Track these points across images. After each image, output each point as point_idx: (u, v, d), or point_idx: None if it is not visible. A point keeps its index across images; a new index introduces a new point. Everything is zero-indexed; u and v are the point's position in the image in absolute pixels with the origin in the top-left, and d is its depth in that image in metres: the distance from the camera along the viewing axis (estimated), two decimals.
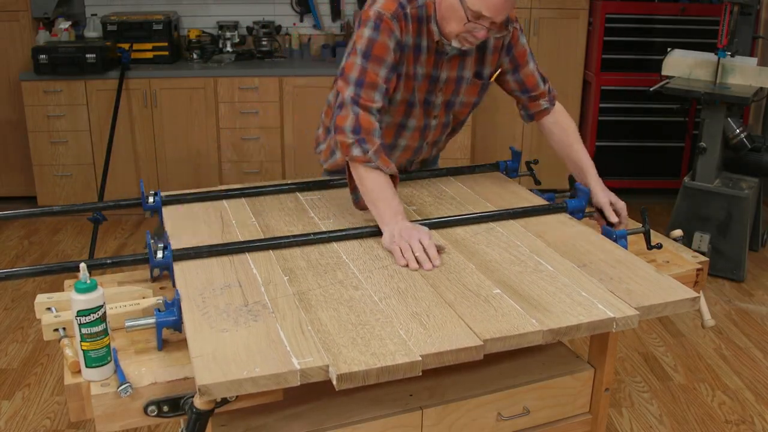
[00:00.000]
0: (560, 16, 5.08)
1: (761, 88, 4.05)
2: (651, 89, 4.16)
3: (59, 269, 1.84)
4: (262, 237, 2.01)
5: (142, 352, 1.67)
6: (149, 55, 4.82)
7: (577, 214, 2.25)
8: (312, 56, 5.19)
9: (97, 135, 4.77)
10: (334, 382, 1.43)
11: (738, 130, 4.10)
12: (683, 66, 4.27)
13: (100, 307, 1.54)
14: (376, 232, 2.03)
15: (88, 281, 1.53)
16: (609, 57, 5.08)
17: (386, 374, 1.46)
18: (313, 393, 1.83)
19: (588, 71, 5.21)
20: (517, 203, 2.31)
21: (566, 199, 2.28)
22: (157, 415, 1.56)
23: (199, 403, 1.52)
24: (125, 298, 1.82)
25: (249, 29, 5.08)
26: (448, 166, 2.63)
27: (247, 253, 1.93)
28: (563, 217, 2.23)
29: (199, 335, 1.55)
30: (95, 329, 1.53)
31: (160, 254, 1.85)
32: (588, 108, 5.23)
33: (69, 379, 1.57)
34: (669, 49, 4.34)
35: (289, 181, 2.44)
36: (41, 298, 1.80)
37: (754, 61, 4.08)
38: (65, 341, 1.66)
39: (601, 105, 5.16)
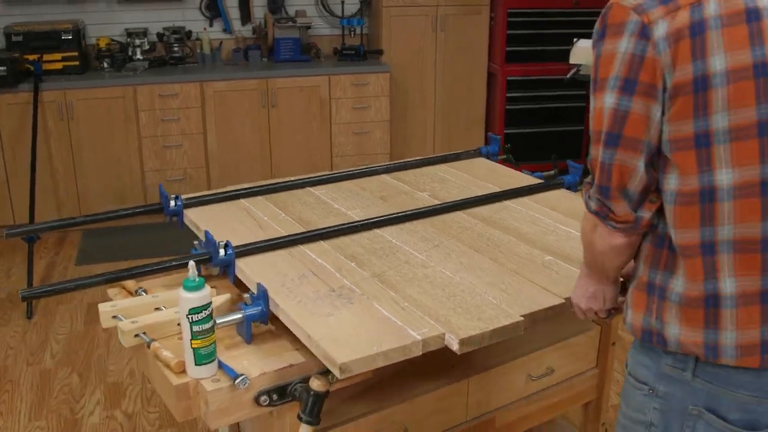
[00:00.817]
0: (463, 12, 5.33)
1: None
2: (567, 77, 4.46)
3: (117, 277, 1.82)
4: (304, 230, 2.07)
5: (232, 347, 1.70)
6: (59, 65, 4.64)
7: (573, 188, 2.45)
8: (223, 60, 5.17)
9: (10, 152, 4.55)
10: (456, 347, 1.54)
11: None
12: (589, 54, 4.60)
13: (209, 304, 1.57)
14: (413, 216, 2.15)
15: (197, 279, 1.55)
16: (513, 49, 5.39)
17: (497, 336, 1.59)
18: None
19: (493, 63, 5.50)
20: (517, 183, 2.48)
21: (562, 176, 2.47)
22: (269, 404, 1.61)
23: (317, 385, 1.58)
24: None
25: (159, 35, 5.00)
26: (432, 156, 2.77)
27: (300, 245, 1.98)
28: (563, 192, 2.43)
29: (306, 321, 1.60)
30: (206, 326, 1.56)
31: (222, 252, 1.87)
32: (495, 98, 5.52)
33: (176, 380, 1.59)
34: (575, 39, 4.66)
35: (296, 178, 2.49)
36: (105, 307, 1.78)
37: None
38: (156, 345, 1.67)
39: (508, 95, 5.46)
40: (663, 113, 1.21)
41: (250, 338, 1.72)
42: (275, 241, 1.96)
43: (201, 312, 1.55)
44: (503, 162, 2.78)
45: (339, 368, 1.45)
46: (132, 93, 4.63)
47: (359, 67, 5.06)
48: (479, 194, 2.34)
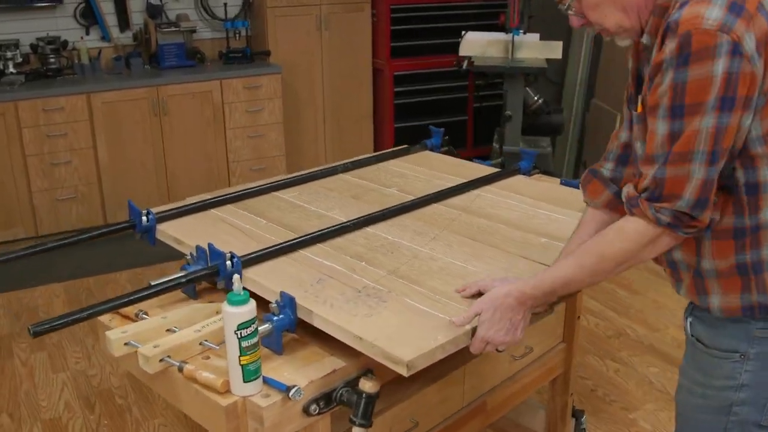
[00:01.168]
0: (346, 10, 5.37)
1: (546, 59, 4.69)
2: (462, 68, 4.61)
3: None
4: (294, 234, 2.03)
5: (265, 359, 1.66)
6: None
7: (527, 173, 2.56)
8: (104, 70, 4.92)
9: None
10: None
11: (536, 97, 4.71)
12: (477, 46, 4.78)
13: (255, 318, 1.52)
14: (398, 211, 2.17)
15: (242, 293, 1.50)
16: (397, 45, 5.49)
17: (536, 318, 1.65)
18: None
19: (378, 59, 5.57)
20: (474, 173, 2.55)
21: (518, 163, 2.57)
22: (319, 413, 1.58)
23: (368, 387, 1.57)
24: (201, 317, 1.77)
25: (33, 47, 4.68)
26: (378, 152, 2.79)
27: (299, 250, 1.95)
28: (521, 178, 2.52)
29: (350, 324, 1.59)
30: (253, 341, 1.52)
31: (229, 264, 1.81)
32: (383, 94, 5.60)
33: (224, 400, 1.53)
34: (463, 32, 4.82)
35: (257, 184, 2.45)
36: (115, 334, 1.69)
37: (537, 36, 4.71)
38: (189, 367, 1.60)
39: (395, 89, 5.56)
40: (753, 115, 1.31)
41: (281, 348, 1.68)
42: (276, 248, 1.92)
43: (249, 326, 1.50)
44: (446, 153, 2.84)
45: (406, 366, 1.46)
46: (13, 109, 4.32)
47: (250, 69, 4.98)
48: (448, 186, 2.38)
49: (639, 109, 1.44)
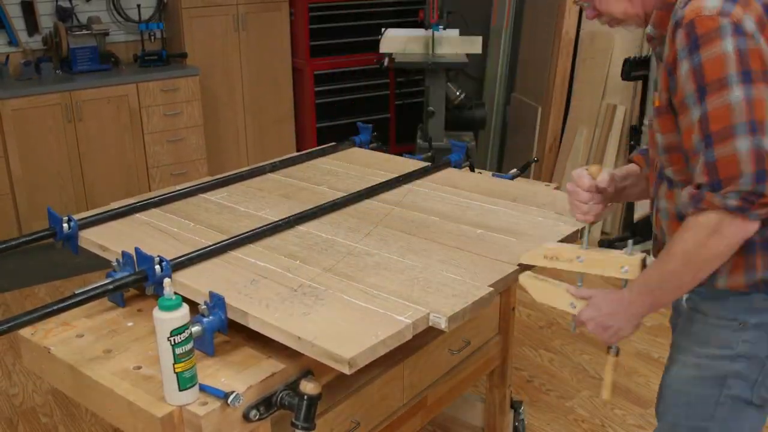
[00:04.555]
0: (263, 9, 5.29)
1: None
2: (383, 65, 4.59)
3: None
4: (225, 236, 1.97)
5: (199, 365, 1.59)
6: None
7: (458, 166, 2.55)
8: (13, 76, 4.71)
9: None
10: (444, 325, 1.56)
11: (458, 93, 4.73)
12: (398, 43, 4.77)
13: (189, 323, 1.46)
14: (330, 208, 2.13)
15: (173, 297, 1.44)
16: (317, 44, 5.44)
17: (476, 309, 1.64)
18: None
19: (298, 59, 5.50)
20: (404, 167, 2.53)
21: (447, 156, 2.57)
22: (259, 418, 1.53)
23: (310, 388, 1.53)
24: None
25: None
26: (303, 151, 2.75)
27: (230, 252, 1.90)
28: (452, 171, 2.52)
29: (287, 323, 1.55)
30: (188, 347, 1.46)
31: (159, 268, 1.74)
32: (304, 93, 5.54)
33: (157, 411, 1.47)
34: (383, 29, 4.81)
35: (183, 186, 2.37)
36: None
37: (456, 32, 4.73)
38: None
39: (316, 89, 5.50)
40: None
41: (212, 350, 1.63)
42: (206, 250, 1.85)
43: (182, 332, 1.44)
44: (375, 149, 2.82)
45: (348, 364, 1.42)
46: None
47: (166, 72, 4.85)
48: (379, 181, 2.36)
49: (656, 102, 1.50)
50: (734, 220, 1.35)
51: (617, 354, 1.67)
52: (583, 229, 1.75)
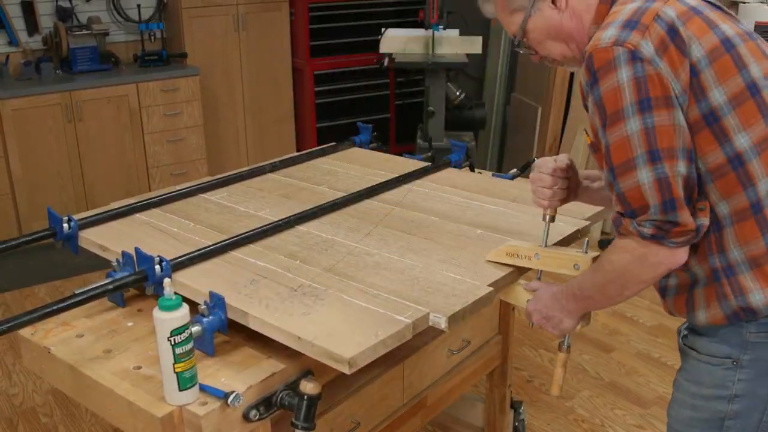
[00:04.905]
0: (263, 9, 5.28)
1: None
2: (383, 65, 4.59)
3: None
4: (225, 236, 1.97)
5: (199, 365, 1.59)
6: None
7: (458, 166, 2.55)
8: (13, 76, 4.71)
9: None
10: (444, 325, 1.56)
11: (458, 93, 4.73)
12: (397, 43, 4.77)
13: (189, 323, 1.46)
14: (331, 208, 2.13)
15: (173, 297, 1.44)
16: (317, 44, 5.44)
17: (476, 308, 1.63)
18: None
19: (298, 59, 5.50)
20: (404, 167, 2.53)
21: (447, 156, 2.57)
22: (259, 418, 1.53)
23: (310, 388, 1.53)
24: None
25: None
26: (303, 151, 2.75)
27: (231, 252, 1.90)
28: (452, 171, 2.52)
29: (287, 323, 1.55)
30: (188, 347, 1.46)
31: (158, 268, 1.74)
32: (304, 93, 5.54)
33: (157, 411, 1.46)
34: (383, 29, 4.81)
35: (183, 186, 2.37)
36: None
37: (456, 32, 4.73)
38: None
39: (316, 89, 5.50)
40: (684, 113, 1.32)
41: (212, 350, 1.63)
42: (206, 250, 1.85)
43: (183, 332, 1.44)
44: (375, 149, 2.82)
45: (348, 363, 1.42)
46: None
47: (166, 72, 4.85)
48: (379, 181, 2.36)
49: (588, 139, 1.49)
50: (658, 248, 1.33)
51: (568, 350, 1.71)
52: (546, 221, 1.73)
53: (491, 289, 1.68)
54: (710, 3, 1.42)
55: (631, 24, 1.33)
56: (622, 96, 1.31)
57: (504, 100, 5.65)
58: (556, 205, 1.70)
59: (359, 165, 2.57)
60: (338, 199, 2.20)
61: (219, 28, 5.15)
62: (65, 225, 2.01)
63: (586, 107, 1.41)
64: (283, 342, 1.54)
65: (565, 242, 1.95)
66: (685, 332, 1.52)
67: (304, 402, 1.53)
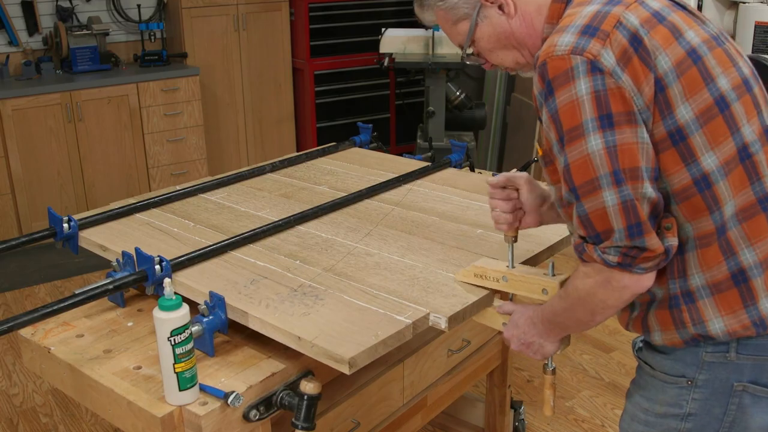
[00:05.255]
0: (263, 9, 5.29)
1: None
2: (384, 65, 4.59)
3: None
4: (225, 236, 1.97)
5: (199, 365, 1.59)
6: None
7: (458, 166, 2.55)
8: (14, 75, 4.72)
9: None
10: (444, 325, 1.56)
11: (458, 93, 4.73)
12: (398, 43, 4.78)
13: (189, 323, 1.46)
14: (330, 208, 2.13)
15: (173, 297, 1.44)
16: (317, 43, 5.44)
17: (476, 309, 1.63)
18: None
19: (298, 59, 5.50)
20: (405, 167, 2.53)
21: (447, 156, 2.57)
22: (259, 418, 1.53)
23: (310, 388, 1.53)
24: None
25: None
26: (303, 151, 2.75)
27: (231, 252, 1.90)
28: (452, 171, 2.52)
29: (288, 323, 1.55)
30: (188, 347, 1.46)
31: (158, 268, 1.74)
32: (304, 93, 5.54)
33: (157, 411, 1.46)
34: (383, 29, 4.81)
35: (183, 186, 2.37)
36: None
37: None
38: None
39: (316, 89, 5.50)
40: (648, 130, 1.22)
41: (213, 351, 1.63)
42: (206, 250, 1.85)
43: (183, 332, 1.44)
44: (375, 149, 2.82)
45: (348, 364, 1.42)
46: None
47: (166, 72, 4.85)
48: (379, 181, 2.36)
49: (539, 151, 1.40)
50: (622, 274, 1.24)
51: (554, 372, 1.62)
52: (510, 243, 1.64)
53: (489, 292, 1.68)
54: (674, 3, 1.31)
55: (590, 30, 1.22)
56: (580, 110, 1.20)
57: (504, 100, 5.65)
58: (517, 226, 1.61)
59: (359, 165, 2.57)
60: (338, 199, 2.20)
61: (219, 28, 5.15)
62: (65, 225, 2.01)
63: (539, 118, 1.31)
64: (283, 342, 1.54)
65: (535, 261, 1.88)
66: (641, 345, 1.45)
67: (304, 402, 1.53)
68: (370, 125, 2.84)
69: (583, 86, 1.19)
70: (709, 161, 1.22)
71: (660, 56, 1.21)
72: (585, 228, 1.25)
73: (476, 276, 1.68)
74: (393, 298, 1.64)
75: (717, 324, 1.28)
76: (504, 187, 1.59)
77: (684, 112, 1.21)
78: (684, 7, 1.31)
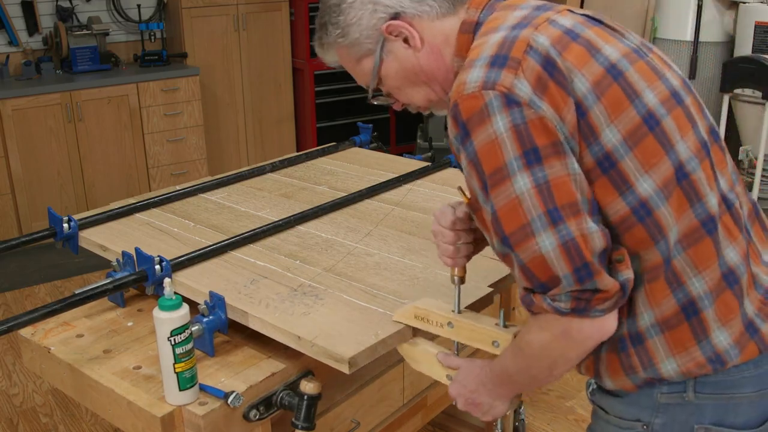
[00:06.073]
0: (263, 9, 5.29)
1: None
2: None
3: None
4: (225, 236, 1.97)
5: (199, 365, 1.59)
6: None
7: (458, 165, 2.55)
8: (13, 75, 4.72)
9: None
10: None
11: None
12: None
13: (189, 323, 1.46)
14: (330, 208, 2.13)
15: (173, 297, 1.44)
16: None
17: (480, 307, 1.63)
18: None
19: (298, 59, 5.51)
20: (405, 167, 2.53)
21: (447, 156, 2.57)
22: (259, 418, 1.53)
23: (310, 388, 1.53)
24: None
25: None
26: (303, 151, 2.74)
27: (231, 252, 1.90)
28: (451, 171, 2.52)
29: (287, 323, 1.55)
30: (188, 347, 1.46)
31: (158, 268, 1.74)
32: (304, 94, 5.54)
33: (157, 411, 1.47)
34: None
35: (183, 186, 2.37)
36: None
37: None
38: None
39: (316, 89, 5.51)
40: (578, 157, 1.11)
41: (213, 351, 1.63)
42: (206, 250, 1.86)
43: (183, 332, 1.44)
44: (375, 149, 2.82)
45: (348, 363, 1.42)
46: None
47: (166, 72, 4.85)
48: (379, 181, 2.36)
49: (465, 199, 1.31)
50: (581, 321, 1.11)
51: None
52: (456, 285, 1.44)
53: (491, 289, 1.68)
54: (589, 18, 1.20)
55: (498, 60, 1.11)
56: (502, 150, 1.07)
57: None
58: (464, 263, 1.43)
59: (359, 165, 2.58)
60: (338, 199, 2.20)
61: (219, 28, 5.15)
62: (65, 225, 2.01)
63: (458, 165, 1.20)
64: (283, 342, 1.54)
65: (480, 305, 1.70)
66: (595, 386, 1.33)
67: (304, 402, 1.53)
68: (370, 125, 2.84)
69: (500, 123, 1.07)
70: (645, 186, 1.10)
71: (576, 78, 1.10)
72: (528, 279, 1.12)
73: (417, 318, 1.49)
74: (393, 297, 1.64)
75: (669, 365, 1.17)
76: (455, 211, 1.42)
77: (610, 136, 1.10)
78: (600, 22, 1.21)
